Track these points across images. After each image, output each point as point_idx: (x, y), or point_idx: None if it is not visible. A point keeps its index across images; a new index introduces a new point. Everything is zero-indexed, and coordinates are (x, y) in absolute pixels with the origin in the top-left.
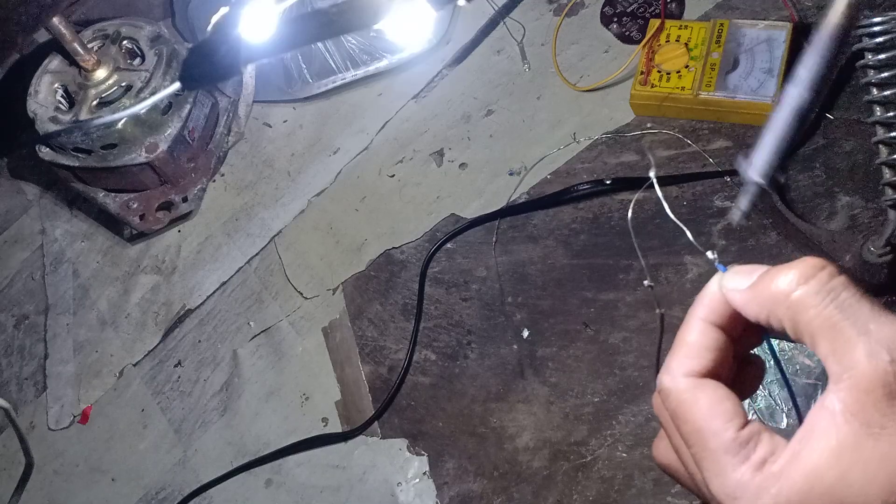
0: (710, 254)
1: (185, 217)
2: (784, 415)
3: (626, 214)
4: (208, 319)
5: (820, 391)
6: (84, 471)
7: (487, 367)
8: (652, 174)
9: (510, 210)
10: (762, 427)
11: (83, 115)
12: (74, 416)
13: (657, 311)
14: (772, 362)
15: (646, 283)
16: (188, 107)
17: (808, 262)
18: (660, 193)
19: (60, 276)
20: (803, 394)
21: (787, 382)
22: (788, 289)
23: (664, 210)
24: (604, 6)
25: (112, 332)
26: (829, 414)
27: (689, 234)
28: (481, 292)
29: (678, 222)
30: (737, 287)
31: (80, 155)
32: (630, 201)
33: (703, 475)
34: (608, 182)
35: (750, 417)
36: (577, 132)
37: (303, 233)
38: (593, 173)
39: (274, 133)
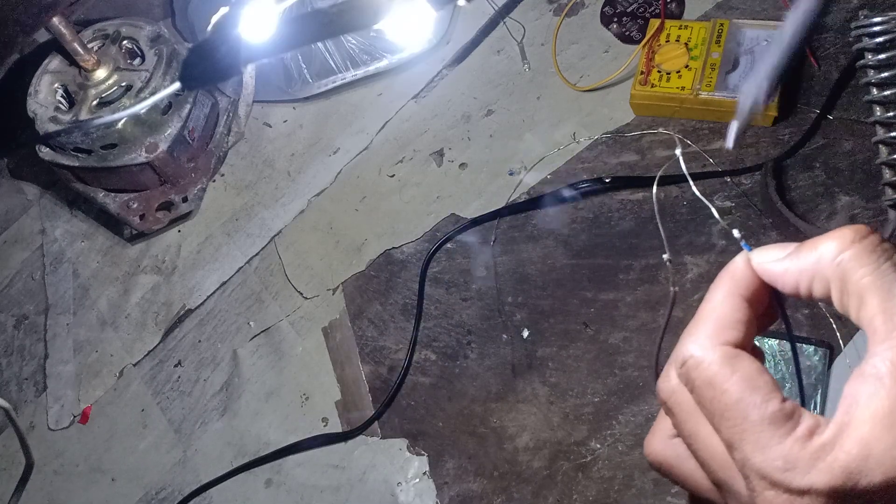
0: (736, 232)
1: (185, 217)
2: None
3: (626, 215)
4: (208, 319)
5: (821, 391)
6: (84, 471)
7: (487, 367)
8: (678, 152)
9: (510, 210)
10: (798, 404)
11: (83, 115)
12: (74, 416)
13: (672, 288)
14: (772, 362)
15: (665, 256)
16: (188, 107)
17: (855, 227)
18: (684, 168)
19: (60, 276)
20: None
21: (798, 377)
22: (839, 248)
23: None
24: (604, 6)
25: (112, 332)
26: (873, 379)
27: (714, 211)
28: (481, 292)
29: (703, 199)
30: (772, 259)
31: (80, 155)
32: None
33: (742, 451)
34: (607, 180)
35: None
36: (577, 132)
37: (303, 233)
38: (593, 173)
39: (274, 133)
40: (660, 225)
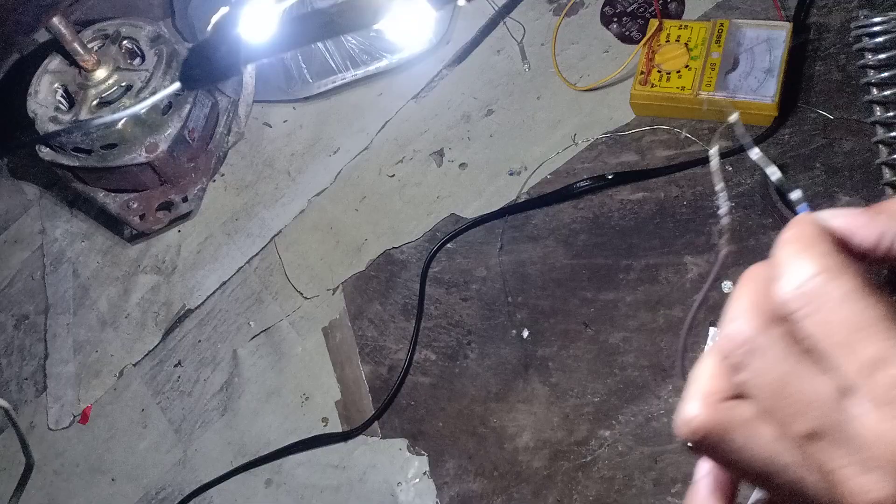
0: (797, 192)
1: (185, 217)
2: None
3: (626, 215)
4: (208, 319)
5: None
6: (84, 471)
7: (487, 367)
8: (733, 118)
9: (511, 210)
10: None
11: (83, 115)
12: (74, 416)
13: (724, 247)
14: None
15: (721, 211)
16: (188, 107)
17: None
18: (741, 133)
19: (60, 276)
20: None
21: None
22: None
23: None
24: (604, 6)
25: (112, 332)
26: None
27: (775, 172)
28: (481, 292)
29: (760, 163)
30: (843, 215)
31: (80, 155)
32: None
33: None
34: (609, 177)
35: None
36: (576, 132)
37: (303, 233)
38: (593, 173)
39: (274, 133)
40: (715, 178)
